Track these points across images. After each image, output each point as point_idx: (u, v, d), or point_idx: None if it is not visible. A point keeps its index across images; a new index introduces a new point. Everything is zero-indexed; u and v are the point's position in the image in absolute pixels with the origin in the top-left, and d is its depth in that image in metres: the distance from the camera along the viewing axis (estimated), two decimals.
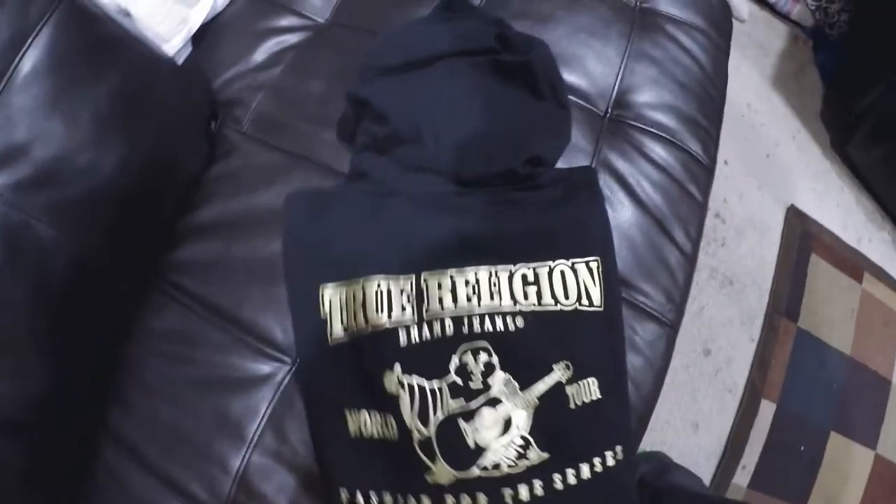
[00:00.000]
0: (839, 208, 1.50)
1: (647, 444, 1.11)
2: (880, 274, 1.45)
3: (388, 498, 0.60)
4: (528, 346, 0.65)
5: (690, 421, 1.21)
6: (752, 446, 1.22)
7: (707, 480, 1.18)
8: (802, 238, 1.41)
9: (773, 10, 1.76)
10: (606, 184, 0.75)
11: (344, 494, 0.60)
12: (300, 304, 0.68)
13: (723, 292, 1.33)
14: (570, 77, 0.82)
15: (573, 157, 0.77)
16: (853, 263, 1.44)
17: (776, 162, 1.52)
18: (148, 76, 0.73)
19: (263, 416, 0.65)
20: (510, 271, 0.67)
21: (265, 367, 0.67)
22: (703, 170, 0.81)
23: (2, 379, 0.64)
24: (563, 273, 0.67)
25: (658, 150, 0.79)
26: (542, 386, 0.63)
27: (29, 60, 0.60)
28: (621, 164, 0.77)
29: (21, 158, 0.62)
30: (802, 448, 1.24)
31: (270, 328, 0.68)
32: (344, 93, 0.77)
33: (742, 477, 1.20)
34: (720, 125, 0.88)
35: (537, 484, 0.60)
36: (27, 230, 0.64)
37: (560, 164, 0.76)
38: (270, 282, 0.69)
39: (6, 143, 0.61)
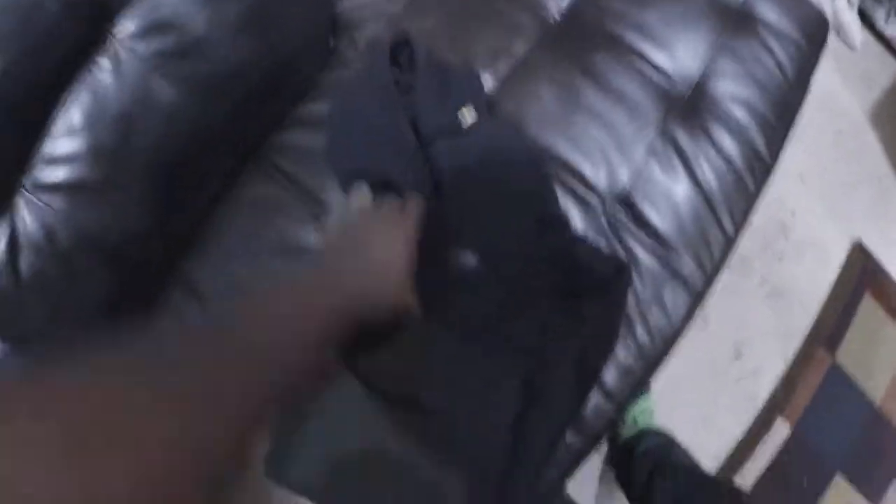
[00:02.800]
0: None
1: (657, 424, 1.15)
2: None
3: None
4: None
5: (704, 415, 1.24)
6: (756, 461, 1.23)
7: None
8: (861, 275, 1.40)
9: (888, 45, 1.70)
10: (667, 154, 0.81)
11: None
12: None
13: (768, 303, 1.34)
14: (656, 56, 0.88)
15: (639, 125, 0.82)
16: None
17: (854, 197, 1.49)
18: None
19: None
20: None
21: None
22: (763, 165, 0.85)
23: (112, 209, 0.77)
24: None
25: (724, 139, 0.84)
26: None
27: None
28: (686, 142, 0.82)
29: (170, 33, 0.76)
30: (805, 480, 1.24)
31: None
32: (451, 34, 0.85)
33: None
34: (791, 126, 0.91)
35: None
36: (164, 93, 0.77)
37: (622, 130, 0.81)
38: None
39: (157, 19, 0.75)
